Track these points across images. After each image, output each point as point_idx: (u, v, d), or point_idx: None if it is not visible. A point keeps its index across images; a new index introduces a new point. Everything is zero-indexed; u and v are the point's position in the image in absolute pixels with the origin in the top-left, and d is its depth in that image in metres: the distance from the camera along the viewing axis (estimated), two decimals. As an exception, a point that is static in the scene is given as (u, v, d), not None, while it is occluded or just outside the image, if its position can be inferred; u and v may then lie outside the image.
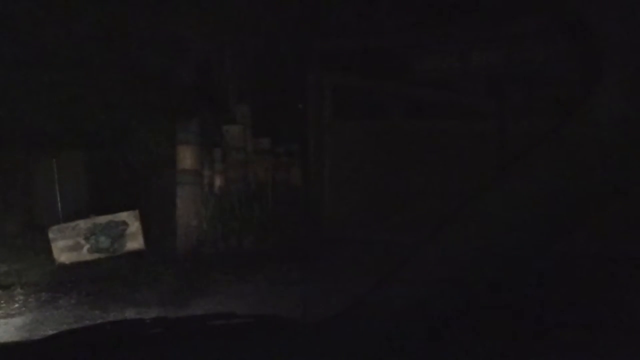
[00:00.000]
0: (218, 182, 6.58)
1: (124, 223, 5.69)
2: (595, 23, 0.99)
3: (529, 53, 5.43)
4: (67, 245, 5.51)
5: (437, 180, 5.41)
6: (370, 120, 6.52)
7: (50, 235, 5.48)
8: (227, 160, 6.62)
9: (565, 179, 1.03)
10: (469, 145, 5.24)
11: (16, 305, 4.68)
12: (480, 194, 1.09)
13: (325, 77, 6.71)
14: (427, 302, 1.07)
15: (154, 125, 6.53)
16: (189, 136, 6.31)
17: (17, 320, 4.41)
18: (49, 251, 5.53)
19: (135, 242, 5.73)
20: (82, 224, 5.60)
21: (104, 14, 5.47)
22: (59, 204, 6.31)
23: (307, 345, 1.21)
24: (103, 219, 5.66)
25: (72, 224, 5.59)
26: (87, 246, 5.57)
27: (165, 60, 6.51)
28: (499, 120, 5.28)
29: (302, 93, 6.85)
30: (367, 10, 5.89)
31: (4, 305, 4.69)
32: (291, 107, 6.92)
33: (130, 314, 4.43)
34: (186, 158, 6.28)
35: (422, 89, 6.09)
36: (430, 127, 5.81)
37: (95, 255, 5.58)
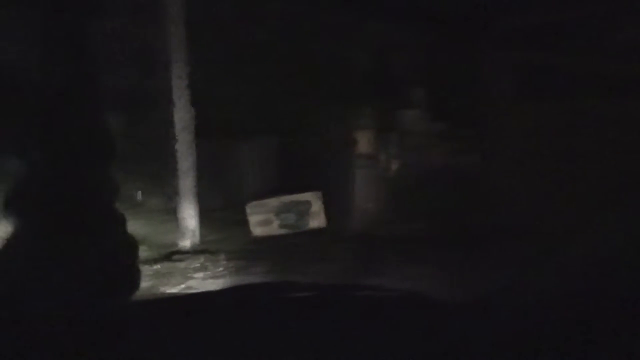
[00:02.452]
0: (393, 166, 6.75)
1: (308, 203, 6.24)
2: None
3: None
4: (260, 220, 6.26)
5: (629, 170, 4.83)
6: (556, 101, 6.04)
7: (248, 211, 6.28)
8: (402, 144, 6.75)
9: None
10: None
11: (220, 268, 5.50)
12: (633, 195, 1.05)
13: (507, 55, 6.36)
14: (572, 296, 1.07)
15: (334, 112, 6.93)
16: (366, 121, 6.58)
17: (220, 282, 5.18)
18: (245, 225, 6.33)
19: (317, 221, 6.26)
20: (273, 201, 6.29)
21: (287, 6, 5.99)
22: (254, 183, 7.11)
23: (447, 323, 1.29)
24: (290, 198, 6.29)
25: (264, 201, 6.31)
26: (276, 222, 6.26)
27: (342, 47, 6.85)
28: None
29: (481, 73, 6.61)
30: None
31: (211, 267, 5.54)
32: (468, 89, 6.73)
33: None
34: (363, 142, 6.57)
35: (618, 66, 5.44)
36: (626, 109, 5.16)
37: (283, 231, 6.24)
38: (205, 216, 6.26)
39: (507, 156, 6.39)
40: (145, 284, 5.11)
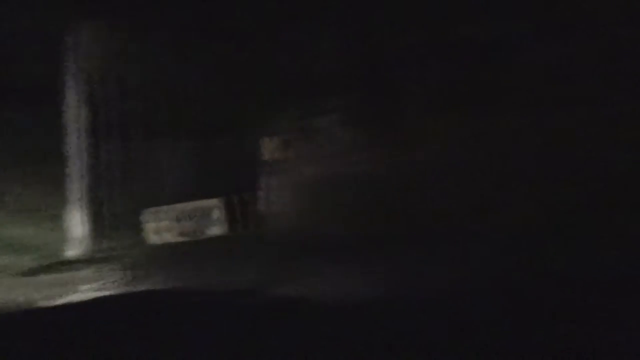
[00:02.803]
0: (309, 171, 6.67)
1: (209, 209, 6.04)
2: None
3: None
4: (159, 227, 6.00)
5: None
6: (472, 113, 6.08)
7: (145, 217, 6.00)
8: (319, 151, 6.69)
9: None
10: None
11: (111, 279, 5.20)
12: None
13: (427, 67, 6.37)
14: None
15: (252, 117, 6.78)
16: (283, 126, 6.48)
17: (108, 292, 4.88)
18: (145, 232, 6.06)
19: (218, 228, 6.06)
20: (172, 208, 6.05)
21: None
22: (166, 188, 6.83)
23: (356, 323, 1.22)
24: (191, 205, 6.06)
25: (163, 207, 6.06)
26: (176, 229, 6.01)
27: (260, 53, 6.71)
28: None
29: (400, 84, 6.59)
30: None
31: (101, 277, 5.23)
32: (387, 99, 6.73)
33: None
34: (275, 149, 6.45)
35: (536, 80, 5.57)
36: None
37: (183, 238, 6.00)
38: (108, 222, 5.96)
39: (422, 164, 6.44)
40: (26, 295, 4.77)
